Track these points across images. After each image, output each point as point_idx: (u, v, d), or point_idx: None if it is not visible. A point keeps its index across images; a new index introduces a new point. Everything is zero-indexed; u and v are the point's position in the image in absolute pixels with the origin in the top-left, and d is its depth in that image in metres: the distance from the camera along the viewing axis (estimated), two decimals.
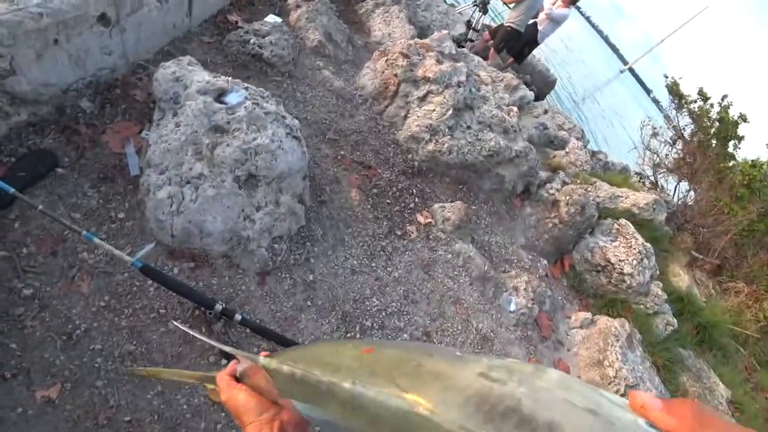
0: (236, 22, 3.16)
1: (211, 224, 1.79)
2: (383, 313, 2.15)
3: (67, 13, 1.85)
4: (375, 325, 2.11)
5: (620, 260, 3.32)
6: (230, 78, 1.96)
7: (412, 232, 2.51)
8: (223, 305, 1.48)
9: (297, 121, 2.02)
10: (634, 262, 3.31)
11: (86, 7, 1.94)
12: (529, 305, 2.66)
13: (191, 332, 0.82)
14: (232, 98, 1.90)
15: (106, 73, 2.23)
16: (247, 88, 1.97)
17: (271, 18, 3.27)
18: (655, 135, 8.16)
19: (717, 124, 7.44)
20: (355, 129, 2.76)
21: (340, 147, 2.62)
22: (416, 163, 2.81)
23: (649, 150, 8.11)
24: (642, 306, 3.41)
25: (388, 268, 2.31)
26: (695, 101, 7.90)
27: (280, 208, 1.93)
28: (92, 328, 1.55)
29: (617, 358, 2.70)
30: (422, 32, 4.67)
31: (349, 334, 2.00)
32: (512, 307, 2.59)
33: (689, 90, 8.13)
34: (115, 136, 2.11)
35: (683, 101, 8.16)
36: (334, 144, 2.61)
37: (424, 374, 0.40)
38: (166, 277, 1.58)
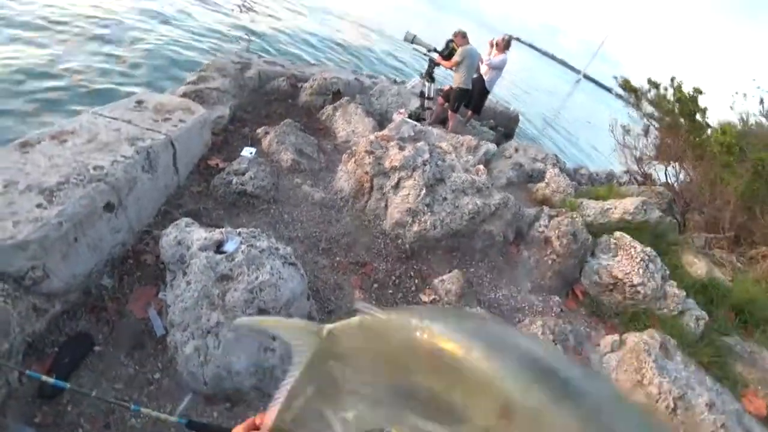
0: (217, 164, 3.51)
1: (237, 364, 1.96)
2: None
3: (80, 214, 2.15)
4: None
5: (626, 273, 3.38)
6: (224, 229, 2.23)
7: None
8: None
9: (290, 248, 2.26)
10: (640, 270, 3.37)
11: (93, 203, 2.26)
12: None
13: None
14: (229, 246, 2.15)
15: (119, 248, 2.51)
16: (239, 233, 2.23)
17: (246, 151, 3.65)
18: (627, 132, 8.50)
19: (677, 104, 7.75)
20: (344, 232, 2.99)
21: (335, 254, 2.82)
22: (407, 247, 2.99)
23: (627, 147, 8.39)
24: (665, 310, 3.40)
25: None
26: (649, 91, 8.31)
27: None
28: None
29: (655, 374, 2.68)
30: (383, 117, 5.14)
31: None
32: None
33: (642, 81, 8.56)
34: (137, 303, 2.35)
35: (639, 94, 8.58)
36: (329, 252, 2.82)
37: None
38: (210, 426, 1.72)
